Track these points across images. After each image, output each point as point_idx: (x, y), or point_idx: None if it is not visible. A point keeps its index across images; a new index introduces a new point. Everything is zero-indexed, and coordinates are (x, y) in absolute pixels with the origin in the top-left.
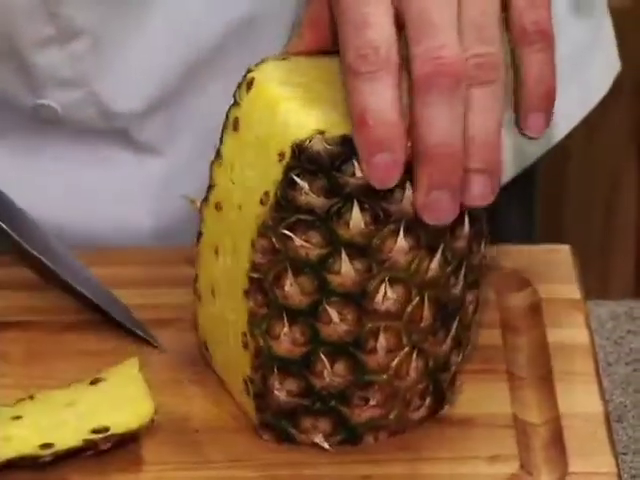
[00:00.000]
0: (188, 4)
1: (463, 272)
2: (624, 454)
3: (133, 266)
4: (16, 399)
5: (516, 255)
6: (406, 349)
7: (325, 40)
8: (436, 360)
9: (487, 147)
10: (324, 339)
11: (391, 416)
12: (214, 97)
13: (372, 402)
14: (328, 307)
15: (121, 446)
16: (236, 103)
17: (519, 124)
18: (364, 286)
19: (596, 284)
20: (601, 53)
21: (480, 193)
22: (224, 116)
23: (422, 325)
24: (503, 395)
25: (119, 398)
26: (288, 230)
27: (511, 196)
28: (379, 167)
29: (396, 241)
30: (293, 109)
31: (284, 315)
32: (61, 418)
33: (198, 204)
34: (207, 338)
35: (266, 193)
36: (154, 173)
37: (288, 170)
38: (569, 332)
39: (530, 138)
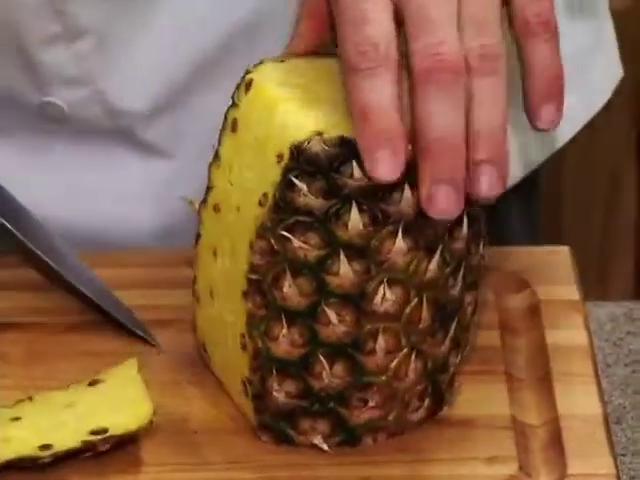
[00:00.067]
0: (194, 2)
1: (462, 273)
2: (623, 455)
3: (134, 267)
4: (15, 400)
5: (515, 256)
6: (405, 350)
7: (324, 33)
8: (435, 361)
9: (493, 139)
10: (323, 340)
11: (390, 417)
12: (220, 98)
13: (371, 403)
14: (327, 308)
15: (120, 447)
16: (234, 104)
17: (531, 118)
18: (363, 287)
19: (595, 285)
20: (603, 56)
21: (488, 184)
22: None
23: (421, 326)
24: (502, 396)
25: (118, 399)
26: (287, 231)
27: (514, 198)
28: (381, 162)
29: (394, 242)
30: (291, 110)
31: (283, 316)
32: (60, 419)
33: (197, 206)
34: (206, 339)
35: (264, 194)
36: (159, 174)
37: (287, 171)
38: (568, 333)
39: (543, 131)
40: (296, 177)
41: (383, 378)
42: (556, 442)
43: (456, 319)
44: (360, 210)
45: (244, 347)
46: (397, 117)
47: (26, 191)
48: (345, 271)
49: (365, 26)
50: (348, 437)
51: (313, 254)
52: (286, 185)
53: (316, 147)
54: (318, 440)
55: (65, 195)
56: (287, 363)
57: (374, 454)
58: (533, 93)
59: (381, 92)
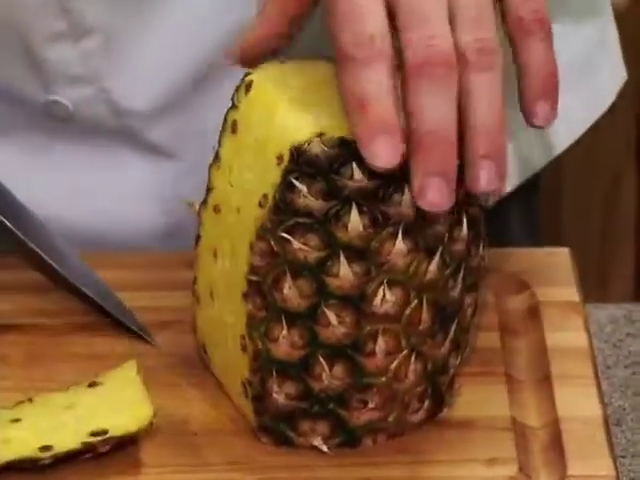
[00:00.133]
0: (199, 2)
1: (462, 275)
2: (623, 457)
3: (134, 269)
4: (15, 402)
5: (515, 258)
6: (405, 352)
7: (290, 17)
8: (435, 363)
9: (491, 134)
10: (323, 342)
11: (390, 419)
12: (223, 99)
13: (371, 405)
14: (327, 310)
15: (120, 449)
16: (234, 106)
17: (527, 116)
18: (363, 289)
19: (595, 287)
20: (607, 60)
21: (487, 179)
22: None
23: (421, 328)
24: (502, 398)
25: (118, 401)
26: (287, 233)
27: (514, 200)
28: (380, 149)
29: (394, 244)
30: (291, 112)
31: (283, 318)
32: (60, 421)
33: (197, 207)
34: (206, 341)
35: (264, 196)
36: (162, 174)
37: (287, 173)
38: (568, 335)
39: (540, 128)
40: (296, 178)
41: (383, 379)
42: (556, 444)
43: (456, 320)
44: (360, 211)
45: (244, 348)
46: (394, 107)
47: (27, 190)
48: (345, 272)
49: (360, 18)
50: (348, 438)
51: (313, 255)
52: (286, 186)
53: (316, 148)
54: (318, 441)
55: (67, 195)
56: (287, 364)
57: (374, 455)
58: (529, 92)
59: (378, 83)
